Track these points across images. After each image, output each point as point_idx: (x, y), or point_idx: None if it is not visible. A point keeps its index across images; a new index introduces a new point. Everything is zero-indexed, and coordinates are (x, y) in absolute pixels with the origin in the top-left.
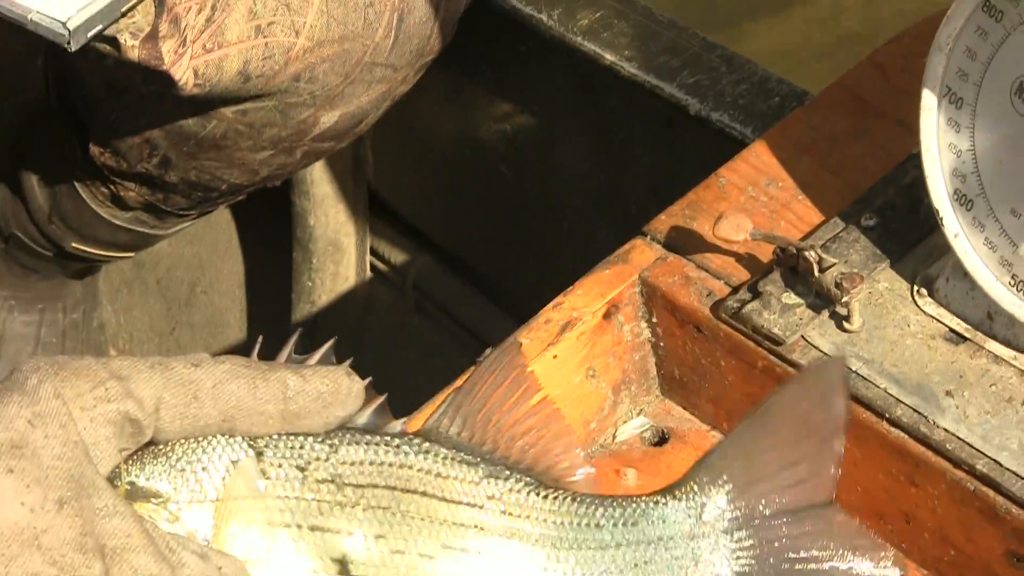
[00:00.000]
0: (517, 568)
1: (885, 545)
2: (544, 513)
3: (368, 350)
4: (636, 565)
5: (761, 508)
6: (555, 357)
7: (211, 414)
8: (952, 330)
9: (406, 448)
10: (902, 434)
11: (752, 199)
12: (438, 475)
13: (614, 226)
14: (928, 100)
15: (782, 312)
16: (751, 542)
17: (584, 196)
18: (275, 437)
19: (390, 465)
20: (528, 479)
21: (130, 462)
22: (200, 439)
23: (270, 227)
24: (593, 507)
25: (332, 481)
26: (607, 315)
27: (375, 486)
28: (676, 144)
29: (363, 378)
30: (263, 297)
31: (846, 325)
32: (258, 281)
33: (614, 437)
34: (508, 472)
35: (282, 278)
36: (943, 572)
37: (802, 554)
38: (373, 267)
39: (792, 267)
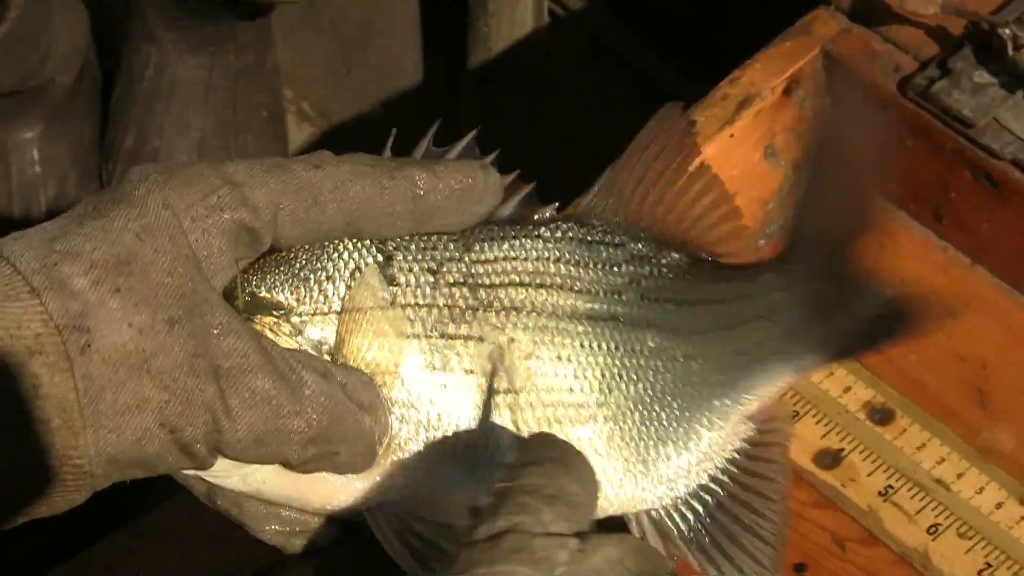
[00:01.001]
0: (655, 359)
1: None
2: (680, 295)
3: (544, 99)
4: (758, 343)
5: (839, 264)
6: (732, 136)
7: (334, 218)
8: None
9: (547, 235)
10: None
11: None
12: (578, 263)
13: None
14: None
15: (973, 92)
16: (842, 300)
17: None
18: (407, 238)
19: (525, 259)
20: (676, 259)
21: (250, 271)
22: (325, 244)
23: None
24: (720, 282)
25: (465, 283)
26: (787, 91)
27: (510, 284)
28: None
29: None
30: (438, 42)
31: None
32: (433, 25)
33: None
34: (656, 251)
35: (457, 24)
36: None
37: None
38: (551, 13)
39: (985, 43)
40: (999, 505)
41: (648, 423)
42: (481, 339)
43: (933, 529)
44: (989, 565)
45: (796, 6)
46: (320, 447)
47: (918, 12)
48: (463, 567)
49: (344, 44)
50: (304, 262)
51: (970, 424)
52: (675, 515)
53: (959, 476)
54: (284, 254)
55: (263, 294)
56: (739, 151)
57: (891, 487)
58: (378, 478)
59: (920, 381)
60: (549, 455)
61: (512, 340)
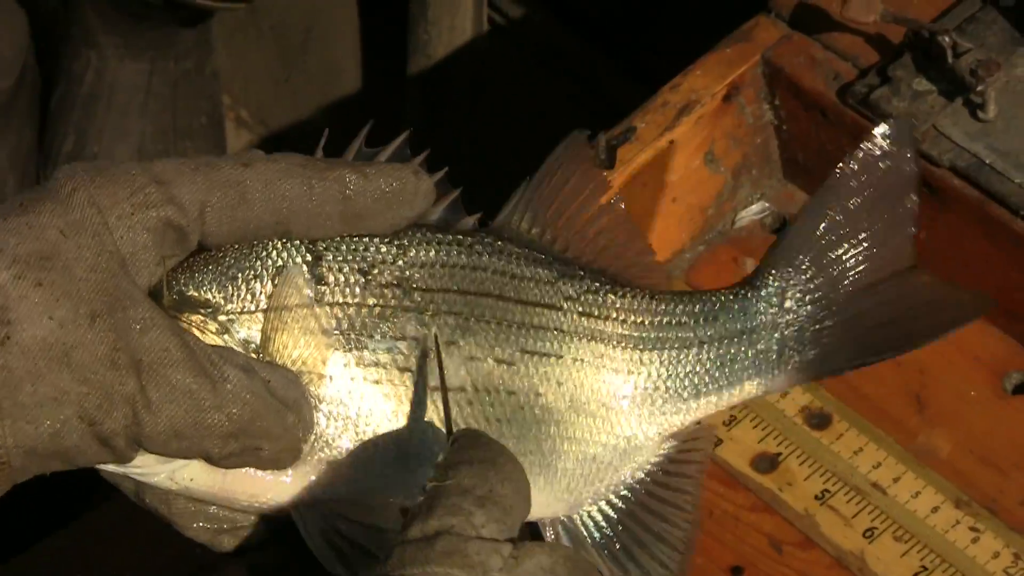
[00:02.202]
0: (599, 372)
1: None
2: (623, 313)
3: (484, 105)
4: (722, 364)
5: (841, 285)
6: (672, 142)
7: (262, 216)
8: None
9: (479, 248)
10: None
11: None
12: (513, 276)
13: None
14: None
15: (912, 99)
16: (833, 321)
17: None
18: (337, 239)
19: (463, 267)
20: (604, 279)
21: (179, 270)
22: (255, 244)
23: None
24: (672, 304)
25: (399, 285)
26: (727, 97)
27: (446, 290)
28: None
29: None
30: (379, 49)
31: (980, 114)
32: (374, 32)
33: (733, 223)
34: (582, 272)
35: (398, 30)
36: None
37: (888, 320)
38: (491, 20)
39: (925, 51)
40: (935, 509)
41: (577, 431)
42: (416, 339)
43: (869, 533)
44: (925, 568)
45: (737, 13)
46: (242, 442)
47: (858, 20)
48: (396, 565)
49: (284, 50)
50: (232, 261)
51: (907, 429)
52: (589, 523)
53: (895, 480)
54: (213, 253)
55: (191, 292)
56: (679, 157)
57: (828, 491)
58: (305, 476)
59: (857, 386)
60: (480, 455)
61: (452, 343)
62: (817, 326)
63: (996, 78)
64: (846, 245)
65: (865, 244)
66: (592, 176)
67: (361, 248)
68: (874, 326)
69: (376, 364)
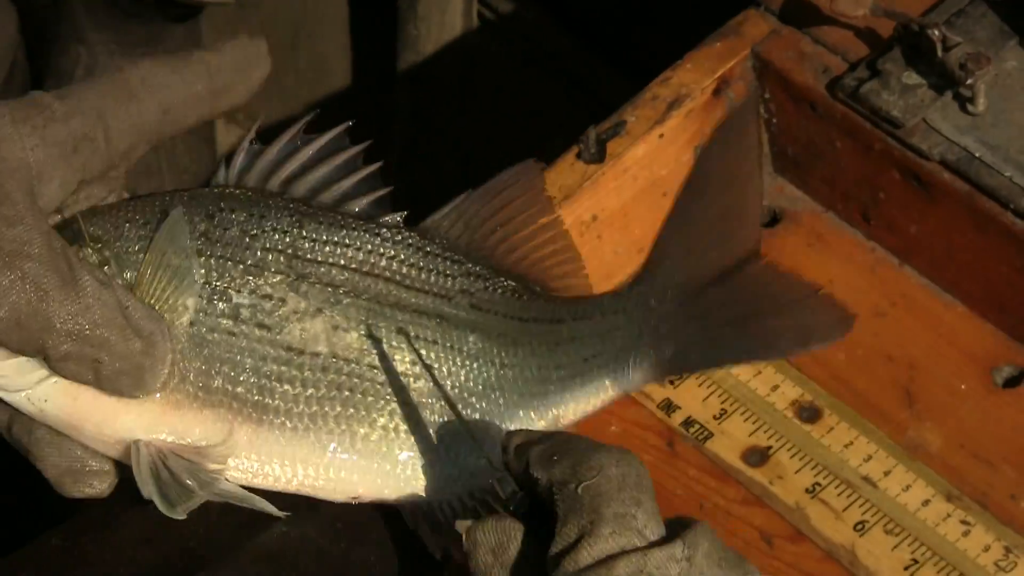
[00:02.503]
0: (472, 361)
1: (816, 290)
2: (513, 310)
3: (473, 103)
4: (585, 360)
5: (694, 278)
6: (662, 136)
7: (150, 108)
8: None
9: (386, 235)
10: None
11: None
12: (411, 265)
13: None
14: None
15: (902, 93)
16: (688, 315)
17: None
18: (239, 202)
19: (358, 249)
20: (512, 284)
21: (87, 211)
22: (163, 198)
23: None
24: (560, 304)
25: (282, 251)
26: (717, 91)
27: (333, 265)
28: None
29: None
30: (368, 45)
31: (970, 108)
32: (363, 28)
33: None
34: (494, 275)
35: (387, 26)
36: None
37: (737, 317)
38: (481, 16)
39: (914, 45)
40: (925, 503)
41: (440, 415)
42: (283, 301)
43: (860, 526)
44: (915, 561)
45: (727, 7)
46: (81, 347)
47: (847, 13)
48: None
49: (273, 47)
50: (132, 209)
51: (897, 423)
52: (449, 512)
53: (886, 474)
54: (125, 203)
55: (91, 227)
56: (669, 151)
57: (818, 484)
58: (151, 414)
59: (848, 380)
60: (582, 440)
61: (319, 311)
62: (673, 322)
63: (986, 72)
64: (696, 237)
65: (711, 233)
66: (536, 200)
67: (258, 215)
68: (724, 323)
69: (236, 318)
